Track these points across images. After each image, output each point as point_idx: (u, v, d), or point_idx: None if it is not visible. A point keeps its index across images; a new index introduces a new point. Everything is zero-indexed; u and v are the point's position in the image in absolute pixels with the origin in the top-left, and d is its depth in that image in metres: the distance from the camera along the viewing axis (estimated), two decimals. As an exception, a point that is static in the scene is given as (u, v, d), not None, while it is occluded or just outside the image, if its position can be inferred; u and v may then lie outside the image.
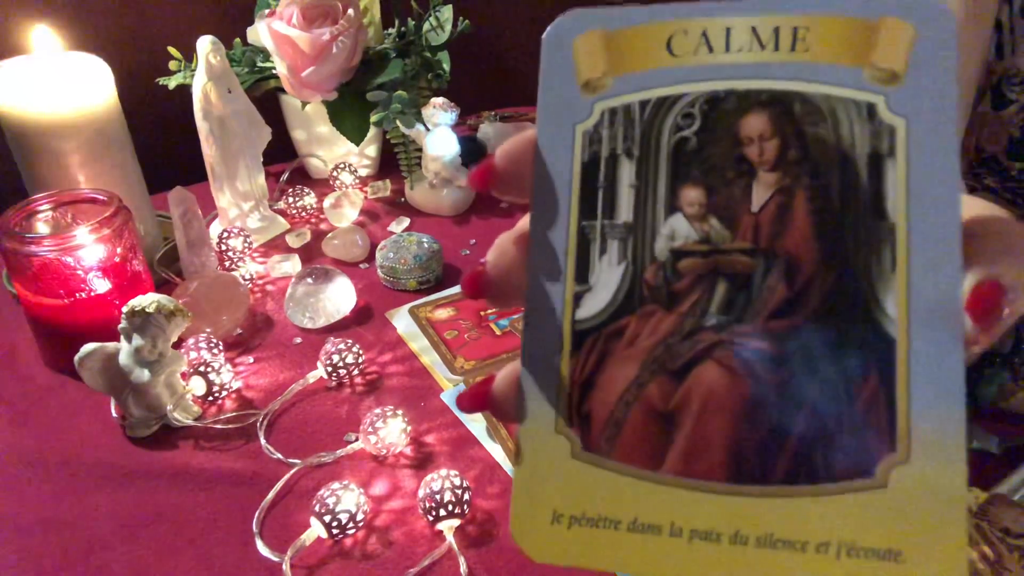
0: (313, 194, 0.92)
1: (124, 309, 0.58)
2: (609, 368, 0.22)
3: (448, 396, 0.64)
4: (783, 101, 0.22)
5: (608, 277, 0.22)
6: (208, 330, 0.69)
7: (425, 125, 0.88)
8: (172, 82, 0.91)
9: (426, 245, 0.78)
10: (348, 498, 0.51)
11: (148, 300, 0.58)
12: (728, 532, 0.20)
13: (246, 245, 0.80)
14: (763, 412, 0.20)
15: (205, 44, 0.75)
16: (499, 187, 0.24)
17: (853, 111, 0.21)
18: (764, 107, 0.22)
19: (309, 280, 0.72)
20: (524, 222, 0.24)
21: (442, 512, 0.51)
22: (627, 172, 0.23)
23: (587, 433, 0.22)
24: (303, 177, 1.00)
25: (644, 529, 0.21)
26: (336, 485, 0.52)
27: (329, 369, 0.65)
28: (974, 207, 0.22)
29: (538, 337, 0.22)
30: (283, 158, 1.00)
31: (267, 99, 0.92)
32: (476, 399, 0.24)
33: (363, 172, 1.00)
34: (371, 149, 1.00)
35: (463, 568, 0.50)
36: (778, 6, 0.22)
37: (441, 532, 0.52)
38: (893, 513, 0.19)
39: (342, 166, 0.94)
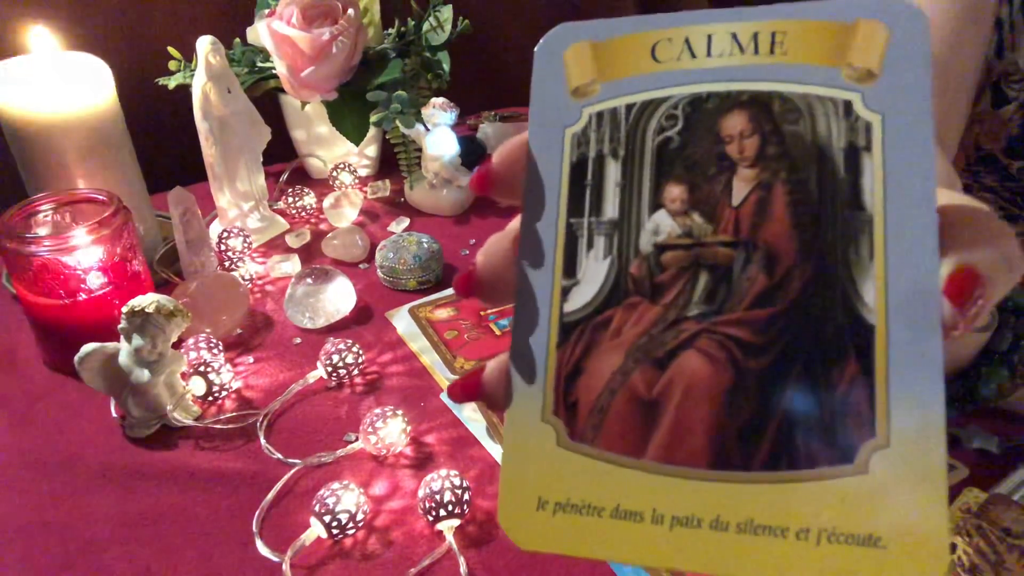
0: (313, 194, 0.92)
1: (124, 309, 0.58)
2: (595, 358, 0.23)
3: (448, 396, 0.64)
4: (762, 100, 0.22)
5: (595, 271, 0.23)
6: (208, 330, 0.69)
7: (425, 125, 0.88)
8: (172, 82, 0.91)
9: (426, 245, 0.78)
10: (348, 498, 0.51)
11: (148, 300, 0.58)
12: (709, 518, 0.20)
13: (246, 245, 0.80)
14: (744, 400, 0.21)
15: (205, 44, 0.75)
16: (497, 190, 0.25)
17: (830, 108, 0.22)
18: (744, 106, 0.22)
19: (309, 280, 0.72)
20: (515, 223, 0.25)
21: (442, 512, 0.51)
22: (613, 171, 0.23)
23: (573, 422, 0.22)
24: (303, 177, 1.00)
25: (626, 516, 0.21)
26: (336, 485, 0.52)
27: (329, 369, 0.65)
28: (949, 198, 0.22)
29: (527, 329, 0.23)
30: (283, 158, 1.00)
31: (267, 99, 0.92)
32: (467, 389, 0.25)
33: (363, 172, 1.00)
34: (371, 149, 1.00)
35: (463, 568, 0.50)
36: (757, 14, 0.22)
37: (441, 532, 0.52)
38: (873, 498, 0.19)
39: (342, 166, 0.94)
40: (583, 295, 0.23)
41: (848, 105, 0.21)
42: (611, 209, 0.23)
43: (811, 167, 0.22)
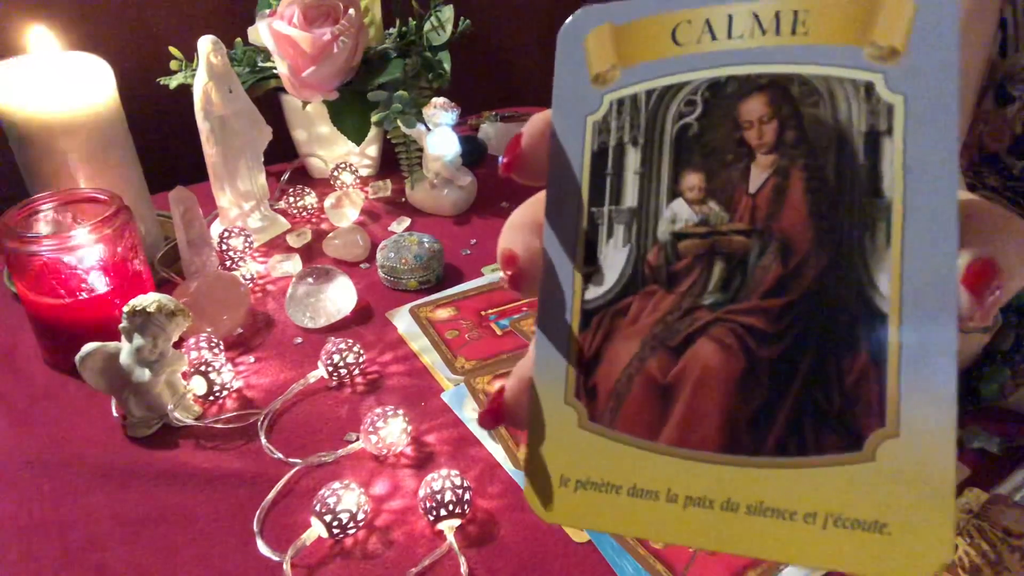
0: (314, 194, 0.92)
1: (125, 309, 0.58)
2: (614, 344, 0.23)
3: (449, 396, 0.64)
4: (782, 84, 0.22)
5: (614, 259, 0.23)
6: (209, 330, 0.69)
7: (426, 125, 0.88)
8: (173, 82, 0.91)
9: (427, 245, 0.78)
10: (349, 498, 0.51)
11: (149, 300, 0.58)
12: (720, 499, 0.21)
13: (247, 245, 0.80)
14: (755, 386, 0.21)
15: (206, 44, 0.75)
16: (526, 172, 0.25)
17: (851, 90, 0.21)
18: (763, 90, 0.22)
19: (310, 280, 0.72)
20: (528, 209, 0.25)
21: (443, 512, 0.51)
22: (633, 160, 0.24)
23: (593, 405, 0.23)
24: (304, 177, 1.00)
25: (642, 494, 0.22)
26: (337, 485, 0.52)
27: (330, 369, 0.65)
28: (961, 195, 0.22)
29: (552, 315, 0.24)
30: (284, 158, 1.00)
31: (268, 99, 0.92)
32: (494, 414, 0.25)
33: (364, 172, 1.00)
34: (372, 149, 1.00)
35: (463, 568, 0.49)
36: None
37: (442, 532, 0.52)
38: (880, 486, 0.19)
39: (343, 166, 0.94)
40: (603, 283, 0.23)
41: (870, 86, 0.21)
42: (630, 197, 0.23)
43: (830, 153, 0.21)
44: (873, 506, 0.19)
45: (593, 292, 0.23)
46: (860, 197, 0.21)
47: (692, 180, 0.23)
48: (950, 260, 0.19)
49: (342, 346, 0.65)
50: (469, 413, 0.62)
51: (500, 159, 0.25)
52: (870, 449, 0.20)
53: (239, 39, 0.94)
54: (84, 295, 0.64)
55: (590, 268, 0.24)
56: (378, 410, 0.58)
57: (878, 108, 0.21)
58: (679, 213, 0.23)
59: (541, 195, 0.25)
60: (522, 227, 0.25)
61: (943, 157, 0.20)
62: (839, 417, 0.20)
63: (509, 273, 0.24)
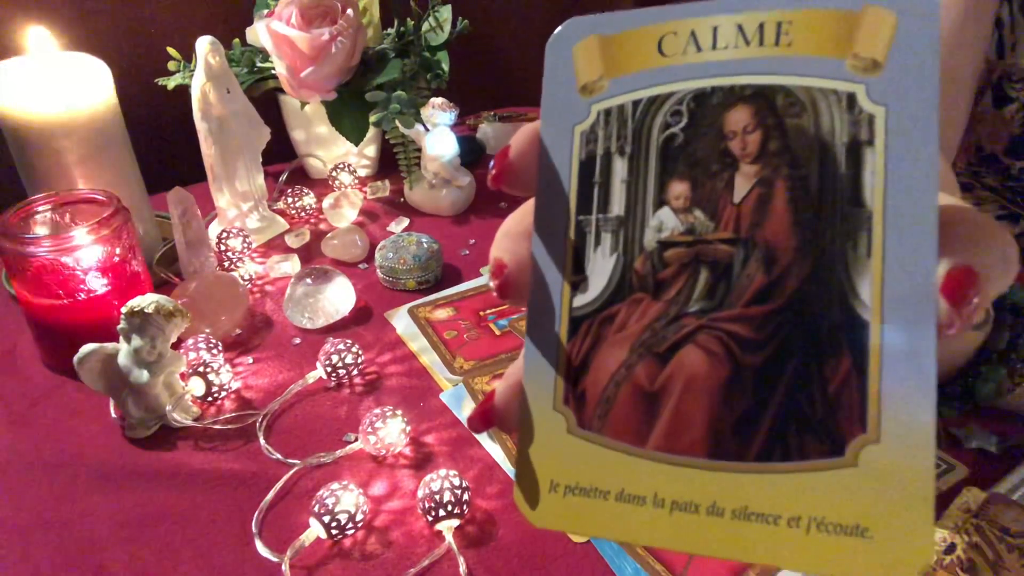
0: (312, 194, 0.92)
1: (123, 309, 0.58)
2: (601, 352, 0.23)
3: (447, 396, 0.64)
4: (766, 95, 0.22)
5: (602, 267, 0.24)
6: (207, 330, 0.69)
7: (424, 125, 0.88)
8: (171, 82, 0.91)
9: (425, 245, 0.78)
10: (347, 498, 0.51)
11: (147, 300, 0.58)
12: (706, 504, 0.21)
13: (245, 245, 0.80)
14: (740, 393, 0.21)
15: (204, 44, 0.75)
16: (515, 183, 0.25)
17: (834, 101, 0.21)
18: (747, 101, 0.22)
19: (308, 280, 0.72)
20: (518, 219, 0.25)
21: (441, 512, 0.51)
22: (620, 169, 0.24)
23: (581, 411, 0.23)
24: (302, 177, 1.00)
25: (630, 500, 0.22)
26: (335, 485, 0.52)
27: (328, 369, 0.65)
28: (944, 199, 0.22)
29: (540, 322, 0.24)
30: (282, 158, 1.00)
31: (266, 99, 0.92)
32: (484, 416, 0.25)
33: (362, 172, 1.00)
34: (370, 149, 1.00)
35: (462, 568, 0.50)
36: (763, 3, 0.22)
37: (440, 532, 0.52)
38: (862, 491, 0.20)
39: (341, 166, 0.94)
40: (591, 290, 0.24)
41: (852, 98, 0.21)
42: (617, 206, 0.24)
43: (813, 163, 0.21)
44: (855, 511, 0.20)
45: (581, 300, 0.24)
46: (842, 207, 0.21)
47: (678, 189, 0.23)
48: (930, 269, 0.20)
49: (341, 347, 0.65)
50: (468, 413, 0.62)
51: (489, 171, 0.25)
52: (852, 455, 0.20)
53: (237, 39, 0.94)
54: (82, 296, 0.64)
55: (578, 276, 0.24)
56: (377, 410, 0.58)
57: (860, 119, 0.21)
58: (665, 222, 0.23)
59: (531, 203, 0.25)
60: (512, 236, 0.25)
61: (924, 167, 0.20)
62: (822, 423, 0.20)
63: (497, 282, 0.24)
